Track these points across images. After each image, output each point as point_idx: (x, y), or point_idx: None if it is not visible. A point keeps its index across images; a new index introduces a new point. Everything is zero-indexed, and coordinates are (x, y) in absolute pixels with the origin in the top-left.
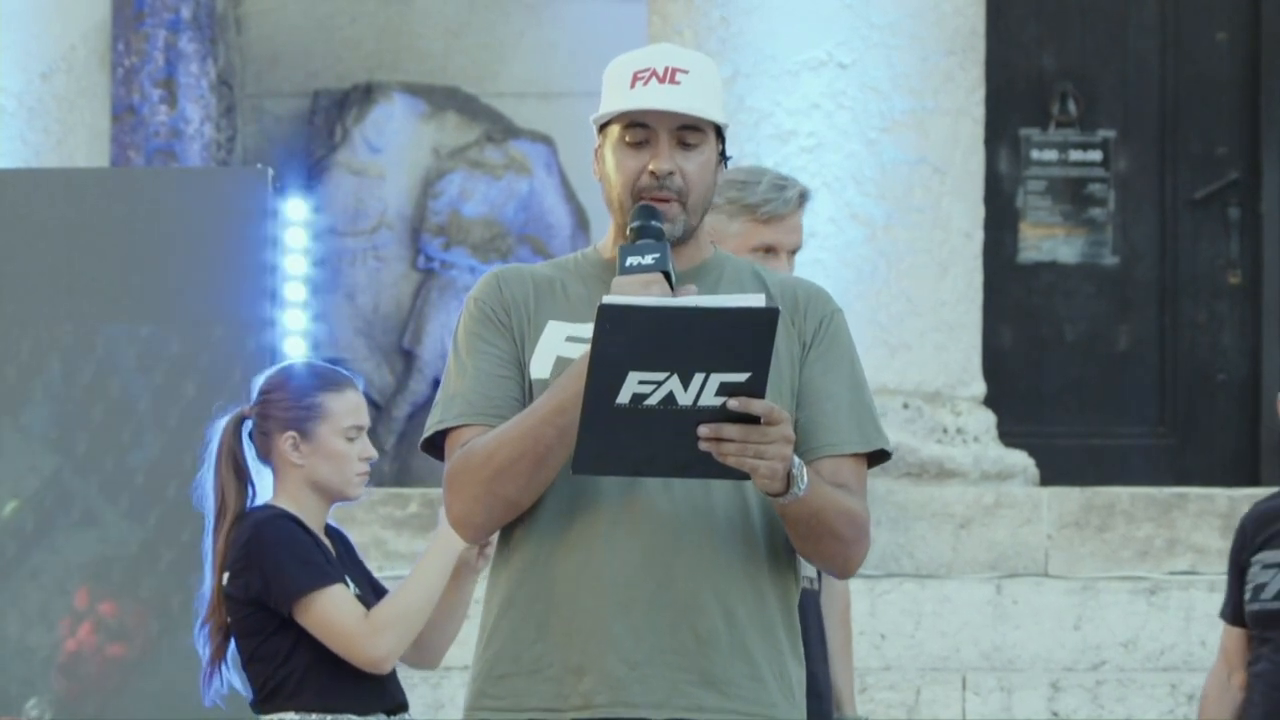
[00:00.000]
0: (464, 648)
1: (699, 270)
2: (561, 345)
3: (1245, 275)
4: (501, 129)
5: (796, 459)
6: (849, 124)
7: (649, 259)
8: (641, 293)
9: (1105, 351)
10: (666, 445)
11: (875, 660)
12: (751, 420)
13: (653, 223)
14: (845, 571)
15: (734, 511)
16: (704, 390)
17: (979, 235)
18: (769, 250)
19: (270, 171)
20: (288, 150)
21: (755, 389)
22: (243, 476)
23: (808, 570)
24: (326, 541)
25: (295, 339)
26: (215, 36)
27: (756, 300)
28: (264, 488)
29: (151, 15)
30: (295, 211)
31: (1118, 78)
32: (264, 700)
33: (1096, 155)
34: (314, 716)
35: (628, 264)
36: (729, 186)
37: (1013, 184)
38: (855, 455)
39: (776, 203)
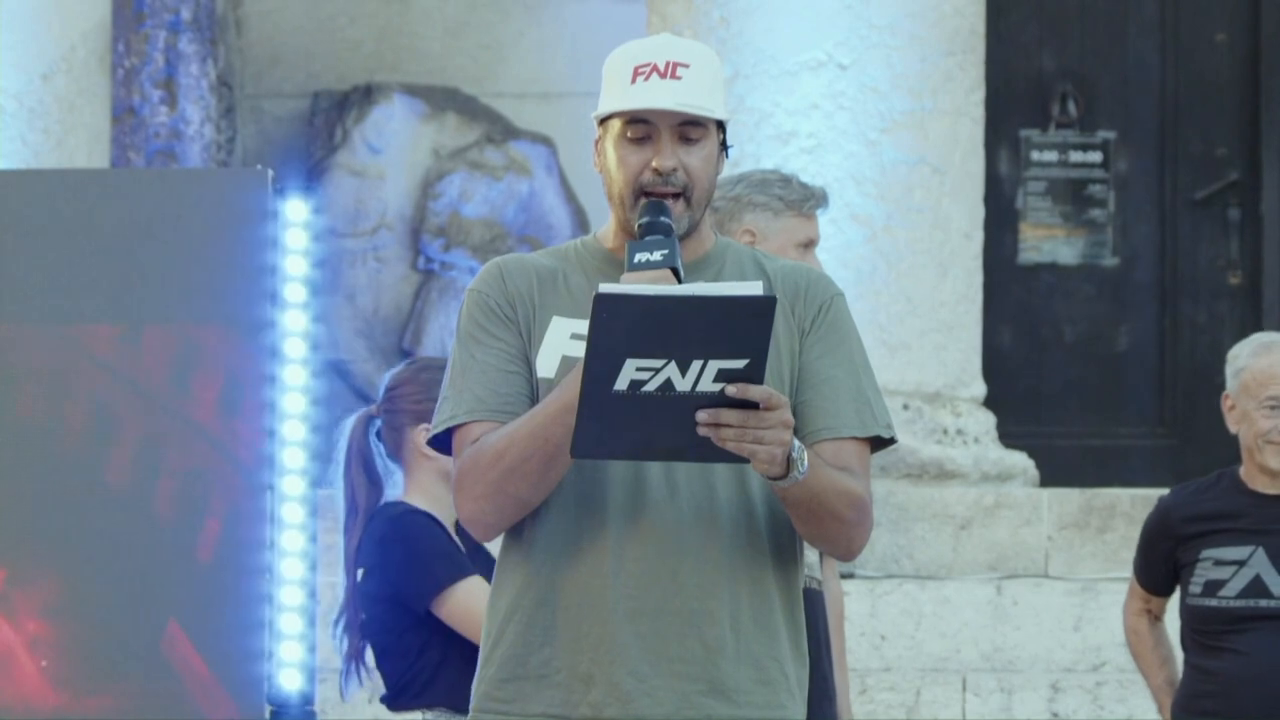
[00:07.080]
0: None
1: (701, 262)
2: (566, 343)
3: (1245, 276)
4: (501, 130)
5: (796, 442)
6: (849, 124)
7: (657, 255)
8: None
9: (1105, 352)
10: (665, 430)
11: (875, 661)
12: (750, 406)
13: (661, 219)
14: (848, 553)
15: (738, 512)
16: (702, 376)
17: (979, 236)
18: (809, 243)
19: (270, 173)
20: (288, 151)
21: (753, 375)
22: (372, 476)
23: (812, 570)
24: (457, 538)
25: (295, 340)
26: (215, 37)
27: (754, 288)
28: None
29: (151, 16)
30: (295, 213)
31: (1117, 78)
32: (395, 696)
33: (1096, 156)
34: (442, 716)
35: (636, 260)
36: (770, 185)
37: (1012, 185)
38: (856, 439)
39: (816, 199)
